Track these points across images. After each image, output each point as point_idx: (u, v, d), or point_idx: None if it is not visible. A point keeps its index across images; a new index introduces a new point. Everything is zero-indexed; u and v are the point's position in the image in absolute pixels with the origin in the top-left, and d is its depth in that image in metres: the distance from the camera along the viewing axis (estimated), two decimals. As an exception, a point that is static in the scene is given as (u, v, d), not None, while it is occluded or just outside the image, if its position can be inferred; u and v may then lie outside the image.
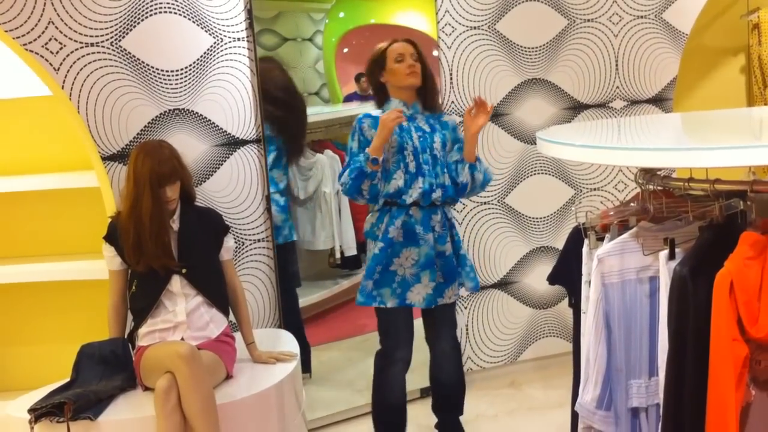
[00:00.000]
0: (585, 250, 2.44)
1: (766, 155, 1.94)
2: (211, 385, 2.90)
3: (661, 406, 2.18)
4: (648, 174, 2.37)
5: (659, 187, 2.38)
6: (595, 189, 4.53)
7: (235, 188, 3.70)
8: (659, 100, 4.62)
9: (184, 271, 3.09)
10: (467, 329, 4.43)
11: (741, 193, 2.16)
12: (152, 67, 3.47)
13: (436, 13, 4.13)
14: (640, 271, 2.29)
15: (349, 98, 5.56)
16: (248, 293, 3.69)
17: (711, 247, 2.10)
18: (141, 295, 3.11)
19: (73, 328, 3.69)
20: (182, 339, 3.04)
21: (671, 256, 2.17)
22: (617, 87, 4.54)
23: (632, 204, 2.60)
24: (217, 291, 3.20)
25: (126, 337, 3.18)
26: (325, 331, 5.35)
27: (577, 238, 2.54)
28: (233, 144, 3.69)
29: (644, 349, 2.31)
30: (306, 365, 4.25)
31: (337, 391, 4.42)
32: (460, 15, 4.15)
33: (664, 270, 2.17)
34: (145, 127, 3.47)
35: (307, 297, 5.59)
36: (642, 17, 4.51)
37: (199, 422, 2.77)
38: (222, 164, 3.66)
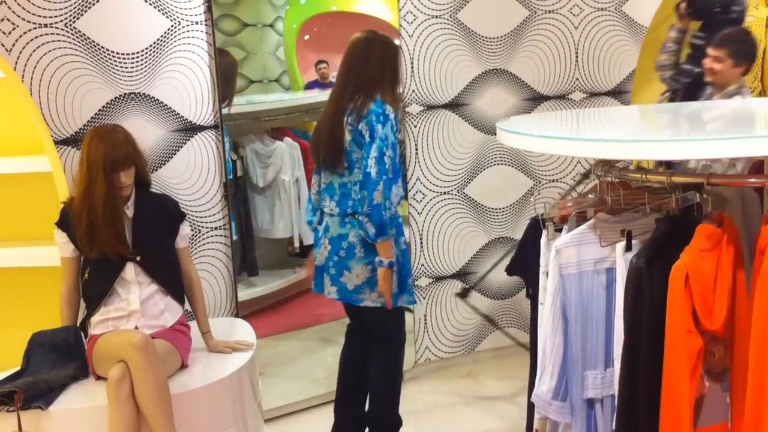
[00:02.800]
0: (543, 241, 2.44)
1: (714, 149, 1.96)
2: (165, 374, 2.85)
3: (616, 396, 2.19)
4: (606, 166, 2.37)
5: (617, 179, 2.39)
6: (553, 180, 4.56)
7: (191, 175, 3.64)
8: (618, 93, 4.65)
9: (138, 258, 3.04)
10: (425, 319, 4.43)
11: (697, 186, 2.18)
12: (107, 50, 3.40)
13: (398, 1, 4.10)
14: (598, 263, 2.30)
15: (310, 86, 5.52)
16: (204, 282, 3.64)
17: (667, 239, 2.12)
18: (94, 283, 3.04)
19: (24, 315, 3.60)
20: (136, 327, 2.98)
21: (628, 247, 2.19)
22: (577, 79, 4.56)
23: (590, 196, 2.61)
24: (172, 279, 3.15)
25: (78, 325, 3.12)
26: (282, 320, 5.32)
27: (535, 229, 2.55)
28: (190, 130, 3.63)
29: (600, 341, 2.33)
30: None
31: (293, 381, 4.39)
32: (422, 3, 4.13)
33: (621, 261, 2.18)
34: (99, 111, 3.40)
35: (266, 286, 5.56)
36: (602, 9, 4.53)
37: (153, 412, 2.73)
38: (179, 150, 3.60)
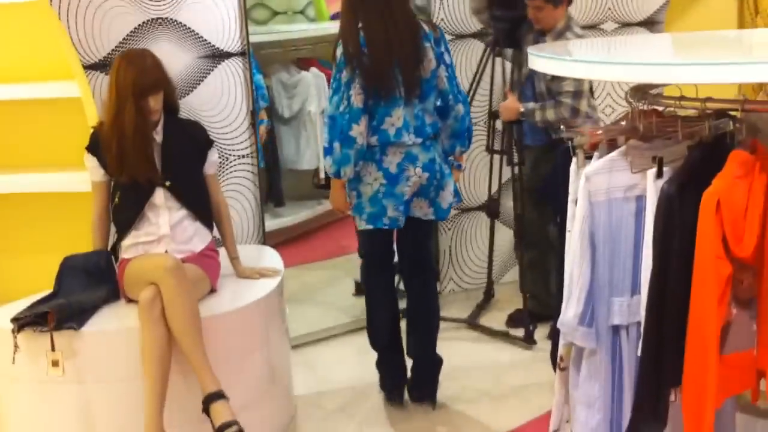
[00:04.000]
0: (572, 168, 2.41)
1: (757, 72, 1.92)
2: (196, 298, 2.90)
3: (642, 323, 2.20)
4: (639, 92, 2.34)
5: (650, 106, 2.35)
6: (582, 113, 4.50)
7: (219, 102, 3.64)
8: (650, 23, 4.56)
9: (168, 183, 3.06)
10: (450, 251, 4.45)
11: (730, 113, 2.15)
12: (136, -25, 3.38)
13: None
14: (627, 190, 2.27)
15: (335, 17, 5.46)
16: (232, 209, 3.66)
17: (699, 166, 2.09)
18: (124, 207, 3.08)
19: (57, 239, 3.65)
20: (166, 252, 3.03)
21: (659, 174, 2.16)
22: (609, 8, 4.47)
23: (622, 123, 2.57)
24: (201, 205, 3.18)
25: (109, 249, 3.17)
26: (308, 251, 5.37)
27: (566, 156, 2.52)
28: (218, 56, 3.61)
29: (628, 268, 2.32)
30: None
31: (319, 310, 4.45)
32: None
33: (652, 188, 2.15)
34: (127, 35, 3.39)
35: (291, 216, 5.60)
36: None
37: (183, 334, 2.78)
38: (206, 77, 3.60)
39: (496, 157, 4.12)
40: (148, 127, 3.01)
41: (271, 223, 5.37)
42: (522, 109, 3.72)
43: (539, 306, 3.96)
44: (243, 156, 3.75)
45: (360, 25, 3.01)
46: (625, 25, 4.53)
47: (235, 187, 3.75)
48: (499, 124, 3.96)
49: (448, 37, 4.10)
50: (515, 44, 3.86)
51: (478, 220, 4.45)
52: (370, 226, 3.14)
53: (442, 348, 3.42)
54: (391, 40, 3.00)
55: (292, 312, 3.69)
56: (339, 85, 3.03)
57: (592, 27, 4.47)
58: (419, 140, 3.09)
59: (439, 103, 3.16)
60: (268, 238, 3.99)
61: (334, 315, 4.32)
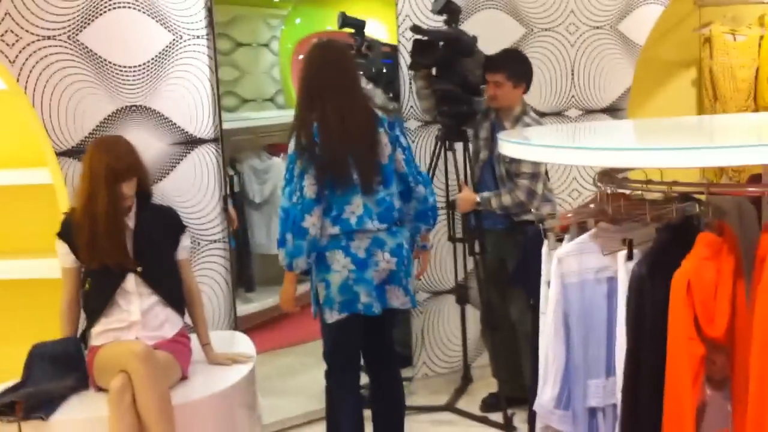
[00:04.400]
0: (544, 250, 2.46)
1: (719, 156, 2.00)
2: (167, 385, 2.86)
3: (618, 405, 2.20)
4: (606, 176, 2.40)
5: (617, 190, 2.41)
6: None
7: (191, 188, 3.66)
8: (613, 110, 4.70)
9: (139, 269, 3.05)
10: (423, 334, 4.44)
11: (695, 196, 2.21)
12: (110, 63, 3.43)
13: (397, 18, 4.14)
14: (599, 272, 2.31)
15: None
16: (204, 295, 3.63)
17: (668, 248, 2.14)
18: (95, 294, 3.05)
19: (25, 327, 3.59)
20: (137, 338, 2.99)
21: (629, 256, 2.20)
22: (572, 96, 4.61)
23: (591, 206, 2.63)
24: (173, 290, 3.16)
25: (78, 336, 3.13)
26: (279, 336, 5.31)
27: (535, 239, 2.56)
28: (191, 143, 3.65)
29: (602, 349, 2.34)
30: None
31: (291, 397, 4.38)
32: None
33: (623, 270, 2.19)
34: (100, 123, 3.42)
35: (262, 302, 5.55)
36: (598, 27, 4.59)
37: (155, 423, 2.73)
38: (179, 163, 3.62)
39: (460, 244, 4.17)
40: (121, 212, 3.02)
41: (242, 308, 5.33)
42: (478, 199, 3.78)
43: (513, 389, 3.94)
44: (215, 240, 3.76)
45: (314, 115, 3.03)
46: (589, 112, 4.65)
47: (208, 272, 3.74)
48: (458, 213, 4.02)
49: (415, 123, 4.21)
50: (463, 138, 3.93)
51: (449, 303, 4.45)
52: (345, 314, 3.06)
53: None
54: (347, 128, 3.01)
55: (264, 399, 3.64)
56: (291, 177, 3.02)
57: (557, 114, 4.59)
58: (384, 226, 3.09)
59: (400, 188, 3.18)
60: (239, 324, 3.96)
61: (306, 401, 4.25)
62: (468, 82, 3.85)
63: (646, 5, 4.69)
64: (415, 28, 3.80)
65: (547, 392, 2.34)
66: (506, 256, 3.87)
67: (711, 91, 5.33)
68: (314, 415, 4.08)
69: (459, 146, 3.97)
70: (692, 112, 5.57)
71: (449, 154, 4.02)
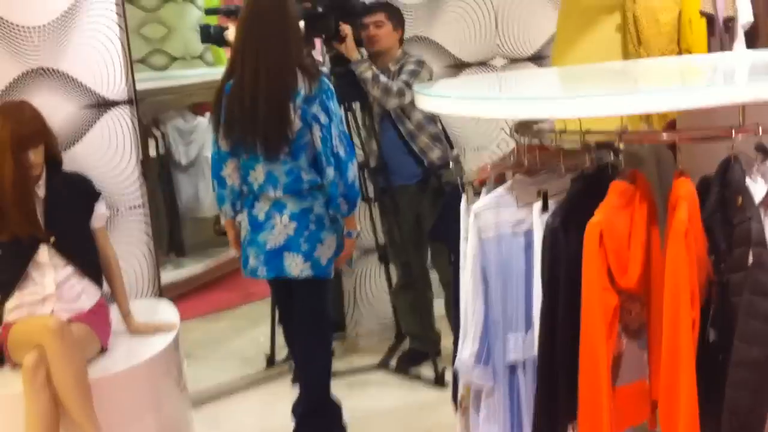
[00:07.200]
0: (462, 206, 2.42)
1: (640, 102, 1.96)
2: (83, 359, 2.77)
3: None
4: (523, 127, 2.36)
5: (535, 141, 2.38)
6: (477, 149, 4.55)
7: (106, 152, 3.52)
8: (539, 58, 4.66)
9: (52, 240, 2.94)
10: (355, 293, 4.42)
11: (611, 144, 2.19)
12: (11, 23, 3.25)
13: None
14: (516, 225, 2.28)
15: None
16: (125, 263, 3.53)
17: (582, 199, 2.11)
18: (6, 267, 2.94)
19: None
20: (52, 312, 2.90)
21: (544, 208, 2.18)
22: (497, 45, 4.56)
23: (512, 159, 2.59)
24: (89, 260, 3.06)
25: (-7, 311, 3.02)
26: (212, 300, 5.25)
27: (455, 194, 2.53)
28: (103, 105, 3.50)
29: (521, 303, 2.32)
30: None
31: (224, 362, 4.33)
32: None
33: (538, 222, 2.17)
34: (5, 88, 3.25)
35: (194, 266, 5.47)
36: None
37: (71, 398, 2.66)
38: (92, 127, 3.48)
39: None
40: (29, 181, 2.90)
41: (174, 274, 5.25)
42: (357, 56, 3.68)
43: (424, 345, 3.99)
44: (134, 207, 3.63)
45: (235, 73, 2.93)
46: (514, 61, 4.61)
47: (128, 239, 3.62)
48: (367, 173, 3.95)
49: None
50: (361, 96, 3.81)
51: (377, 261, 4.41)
52: (246, 273, 3.11)
53: (353, 395, 3.35)
54: (257, 94, 2.86)
55: (195, 366, 3.58)
56: (213, 125, 3.04)
57: (482, 63, 4.53)
58: (289, 194, 2.99)
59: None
60: (170, 290, 3.89)
61: (239, 367, 4.20)
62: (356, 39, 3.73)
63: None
64: None
65: (467, 348, 2.31)
66: (422, 212, 3.85)
67: (635, 36, 5.32)
68: (246, 380, 4.04)
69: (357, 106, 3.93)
70: (618, 58, 5.56)
71: (350, 115, 3.92)
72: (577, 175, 2.20)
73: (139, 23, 5.89)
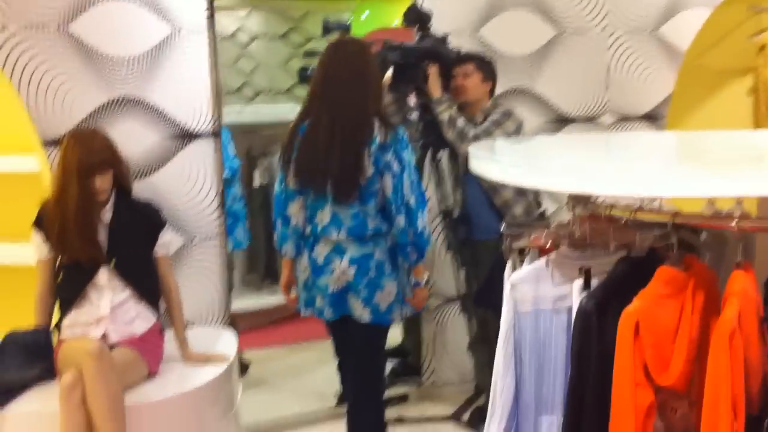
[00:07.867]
0: (506, 273, 2.27)
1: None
2: (121, 384, 2.77)
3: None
4: (576, 197, 2.19)
5: (590, 212, 2.20)
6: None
7: (186, 182, 3.56)
8: (651, 118, 4.41)
9: (112, 263, 2.98)
10: (434, 342, 4.28)
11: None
12: (102, 54, 3.34)
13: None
14: (557, 301, 2.12)
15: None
16: (197, 290, 3.55)
17: (625, 281, 1.93)
18: (66, 286, 3.01)
19: (7, 314, 3.57)
20: (105, 333, 2.94)
21: (586, 286, 2.00)
22: (607, 101, 4.35)
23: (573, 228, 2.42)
24: (148, 286, 3.08)
25: (54, 326, 3.09)
26: (303, 330, 5.22)
27: (503, 258, 2.38)
28: (187, 136, 3.55)
29: (558, 385, 2.15)
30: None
31: (296, 394, 4.28)
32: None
33: (577, 301, 2.00)
34: (89, 114, 3.34)
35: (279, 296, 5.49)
36: (634, 31, 4.31)
37: (103, 422, 2.66)
38: (174, 156, 3.53)
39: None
40: (93, 206, 2.95)
41: (269, 300, 5.30)
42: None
43: None
44: (210, 237, 3.65)
45: (311, 115, 2.92)
46: (624, 119, 4.38)
47: (200, 268, 3.64)
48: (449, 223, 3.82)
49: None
50: (442, 143, 3.63)
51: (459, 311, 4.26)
52: (309, 311, 3.07)
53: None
54: (334, 136, 2.84)
55: (267, 394, 3.51)
56: (283, 163, 3.01)
57: (589, 119, 4.33)
58: (352, 238, 2.94)
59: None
60: (263, 315, 3.86)
61: (310, 400, 4.13)
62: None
63: (690, 8, 4.39)
64: (389, 47, 3.51)
65: (493, 427, 2.16)
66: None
67: (767, 103, 4.98)
68: (315, 415, 3.98)
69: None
70: (748, 123, 5.21)
71: (435, 164, 3.81)
72: (626, 255, 2.01)
73: (235, 58, 6.01)
